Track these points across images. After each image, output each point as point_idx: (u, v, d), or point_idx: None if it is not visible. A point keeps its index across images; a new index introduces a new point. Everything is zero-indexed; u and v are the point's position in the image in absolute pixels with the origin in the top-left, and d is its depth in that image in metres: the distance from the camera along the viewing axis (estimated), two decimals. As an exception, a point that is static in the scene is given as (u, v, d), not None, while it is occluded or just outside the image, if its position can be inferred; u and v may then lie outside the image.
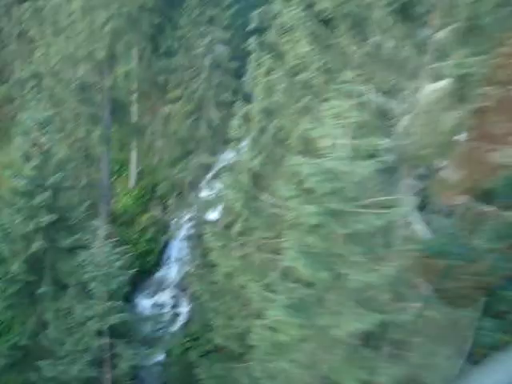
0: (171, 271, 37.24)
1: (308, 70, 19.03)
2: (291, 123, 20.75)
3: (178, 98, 33.18)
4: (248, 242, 20.34)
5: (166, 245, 38.75)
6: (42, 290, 21.42)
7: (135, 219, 38.46)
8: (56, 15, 25.11)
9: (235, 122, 26.24)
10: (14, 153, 41.69)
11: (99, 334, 20.84)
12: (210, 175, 36.59)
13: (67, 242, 21.41)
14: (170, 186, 36.39)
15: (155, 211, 39.55)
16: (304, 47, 18.06)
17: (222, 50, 32.19)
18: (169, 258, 38.11)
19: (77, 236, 21.51)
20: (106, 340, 20.99)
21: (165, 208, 40.70)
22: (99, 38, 23.43)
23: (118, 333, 21.17)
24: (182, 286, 36.32)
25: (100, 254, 20.00)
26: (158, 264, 37.40)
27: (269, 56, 20.94)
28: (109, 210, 30.47)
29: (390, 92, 19.33)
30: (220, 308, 22.04)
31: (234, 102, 38.59)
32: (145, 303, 34.37)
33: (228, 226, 26.99)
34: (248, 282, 19.85)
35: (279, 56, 23.04)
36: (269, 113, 23.52)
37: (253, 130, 25.10)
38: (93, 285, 20.37)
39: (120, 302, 20.70)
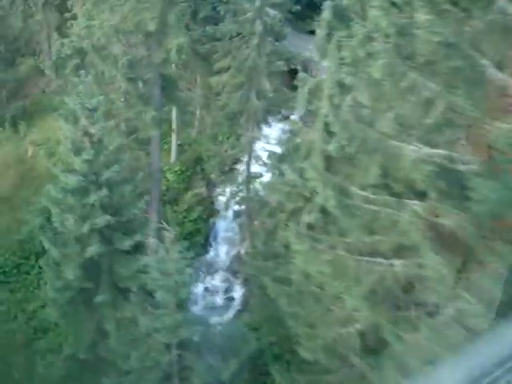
0: (220, 252, 34.22)
1: (414, 41, 15.43)
2: (385, 103, 17.21)
3: (225, 69, 29.53)
4: (337, 244, 17.00)
5: (212, 223, 35.71)
6: (99, 297, 18.38)
7: (179, 197, 35.23)
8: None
9: (302, 97, 22.75)
10: (55, 137, 38.63)
11: (168, 347, 17.84)
12: (257, 148, 33.14)
13: (126, 243, 18.25)
14: (215, 161, 33.07)
15: (199, 188, 36.36)
16: (416, 15, 14.27)
17: (273, 14, 28.35)
18: (216, 237, 35.05)
19: (137, 237, 18.35)
20: (175, 353, 18.01)
21: (208, 184, 37.56)
22: (149, 7, 19.77)
23: (188, 344, 18.18)
24: (232, 269, 33.38)
25: (168, 260, 16.82)
26: (205, 245, 34.36)
27: (360, 24, 17.15)
28: (160, 195, 27.22)
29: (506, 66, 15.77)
30: (300, 313, 18.91)
31: (290, 72, 35.19)
32: (196, 288, 31.37)
33: (295, 213, 23.83)
34: (340, 289, 16.72)
35: (360, 23, 19.46)
36: (350, 88, 20.08)
37: (323, 107, 21.69)
38: (159, 294, 17.27)
39: (191, 312, 17.64)
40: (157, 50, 21.29)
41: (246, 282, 32.01)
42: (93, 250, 17.89)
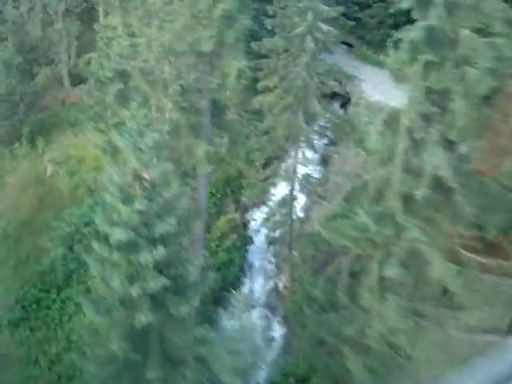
0: (255, 284, 30.70)
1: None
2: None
3: (270, 88, 26.09)
4: (447, 320, 13.57)
5: (245, 251, 32.21)
6: (150, 373, 14.89)
7: (211, 223, 31.62)
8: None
9: (376, 128, 19.28)
10: (76, 155, 34.94)
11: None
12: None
13: (183, 309, 14.76)
14: (256, 190, 29.65)
15: (231, 212, 32.81)
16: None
17: (327, 29, 24.92)
18: (250, 267, 31.53)
19: (194, 300, 14.90)
20: None
21: (239, 206, 34.08)
22: (206, 24, 16.24)
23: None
24: (269, 304, 29.84)
25: (238, 337, 13.39)
26: (239, 276, 30.78)
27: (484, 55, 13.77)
28: (204, 235, 23.70)
29: None
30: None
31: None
32: (231, 326, 27.71)
33: (361, 259, 20.37)
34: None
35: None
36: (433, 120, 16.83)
37: (401, 141, 18.32)
38: (224, 375, 13.85)
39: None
40: (211, 73, 17.81)
41: (285, 320, 28.59)
42: (143, 318, 14.40)
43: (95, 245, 14.51)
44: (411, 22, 42.02)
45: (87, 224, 30.36)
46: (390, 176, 18.95)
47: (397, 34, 26.40)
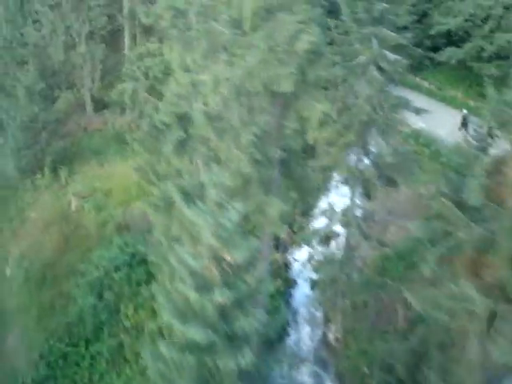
0: (302, 335, 27.13)
1: None
2: None
3: (327, 123, 22.68)
4: None
5: (289, 295, 28.76)
6: None
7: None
8: (206, 23, 14.36)
9: (473, 181, 16.04)
10: (102, 188, 31.27)
11: None
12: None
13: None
14: (307, 234, 26.24)
15: (272, 252, 29.31)
16: None
17: (394, 58, 21.62)
18: (295, 314, 28.02)
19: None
20: None
21: (279, 244, 30.64)
22: (285, 59, 12.89)
23: None
24: (319, 357, 26.28)
25: None
26: (284, 326, 27.17)
27: None
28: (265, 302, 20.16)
29: None
30: None
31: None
32: (281, 384, 24.26)
33: (456, 333, 16.89)
34: None
35: None
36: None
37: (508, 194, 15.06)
38: None
39: None
40: (283, 117, 14.43)
41: (339, 378, 25.04)
42: None
43: (163, 347, 11.06)
44: (451, 44, 38.11)
45: (117, 268, 26.99)
46: (494, 237, 15.57)
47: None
